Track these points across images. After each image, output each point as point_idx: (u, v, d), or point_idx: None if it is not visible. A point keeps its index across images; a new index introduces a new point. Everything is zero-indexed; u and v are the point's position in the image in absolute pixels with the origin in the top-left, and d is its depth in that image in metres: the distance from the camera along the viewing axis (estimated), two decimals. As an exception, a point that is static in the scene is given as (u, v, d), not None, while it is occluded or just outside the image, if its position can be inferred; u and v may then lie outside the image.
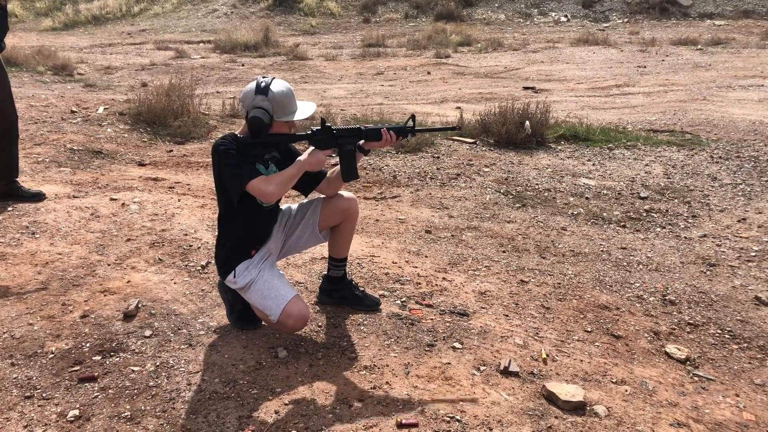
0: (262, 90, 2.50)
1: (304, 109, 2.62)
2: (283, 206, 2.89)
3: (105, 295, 3.04)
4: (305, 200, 2.91)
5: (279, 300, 2.58)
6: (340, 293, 3.01)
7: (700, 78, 10.06)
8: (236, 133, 2.60)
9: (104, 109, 6.74)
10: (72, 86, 9.30)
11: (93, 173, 4.96)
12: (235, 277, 2.66)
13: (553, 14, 19.16)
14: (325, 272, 3.05)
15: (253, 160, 2.57)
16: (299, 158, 2.58)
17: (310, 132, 2.62)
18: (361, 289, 3.06)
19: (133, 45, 15.94)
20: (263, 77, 2.56)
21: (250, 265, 2.65)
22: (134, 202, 4.27)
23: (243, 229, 2.67)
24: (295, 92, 2.67)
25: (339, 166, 2.71)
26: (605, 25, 17.96)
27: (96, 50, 14.80)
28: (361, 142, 2.68)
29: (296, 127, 2.68)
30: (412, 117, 2.72)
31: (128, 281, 3.19)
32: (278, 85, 2.53)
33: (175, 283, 3.19)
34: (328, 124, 2.63)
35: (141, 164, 5.30)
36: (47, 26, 20.28)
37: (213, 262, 3.41)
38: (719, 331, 2.99)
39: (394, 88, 9.97)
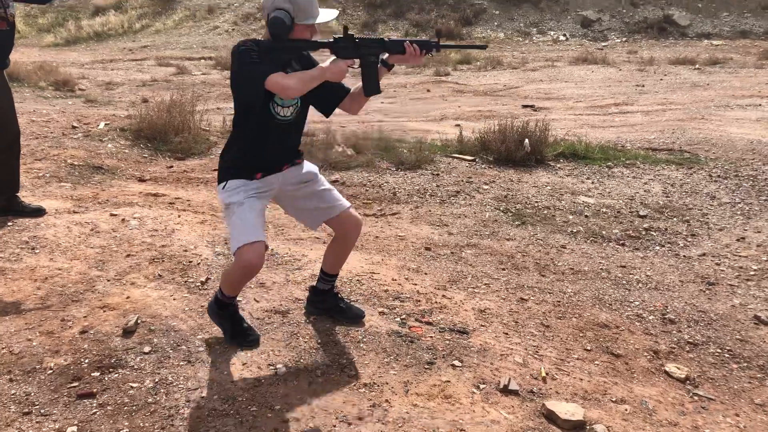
0: None
1: (326, 14, 2.58)
2: (312, 167, 2.83)
3: (104, 311, 3.03)
4: (329, 189, 2.84)
5: (242, 237, 2.53)
6: (325, 305, 3.03)
7: (698, 97, 10.12)
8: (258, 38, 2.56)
9: (105, 124, 6.76)
10: (73, 102, 9.34)
11: (93, 189, 4.97)
12: (224, 189, 2.62)
13: (552, 33, 19.32)
14: (313, 284, 3.08)
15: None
16: (321, 65, 2.53)
17: (332, 40, 2.56)
18: (347, 300, 3.08)
19: (135, 61, 16.02)
20: None
21: (241, 188, 2.60)
22: (134, 218, 4.27)
23: (251, 141, 2.60)
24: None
25: (361, 81, 2.64)
26: (604, 44, 18.11)
27: (97, 66, 14.87)
28: (385, 56, 2.62)
29: (318, 34, 2.60)
30: (438, 32, 2.64)
31: (128, 297, 3.19)
32: None
33: (174, 299, 3.19)
34: (351, 33, 2.57)
35: (141, 180, 5.31)
36: (49, 42, 20.39)
37: (213, 278, 3.41)
38: (719, 351, 2.99)
39: (394, 106, 10.03)
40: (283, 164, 2.71)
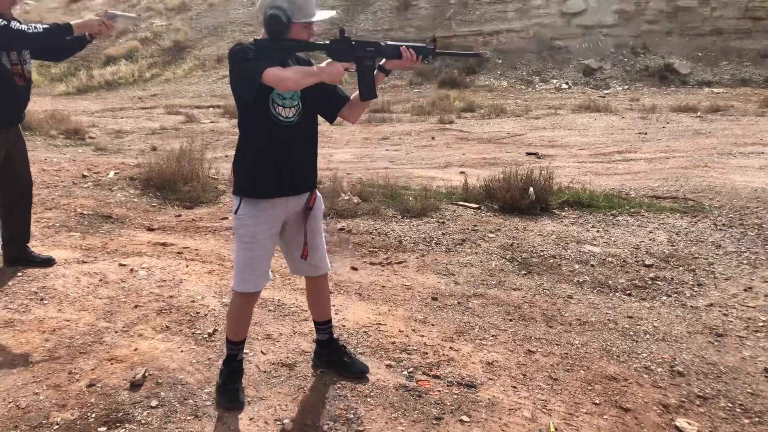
0: None
1: (323, 14, 2.60)
2: (320, 212, 2.85)
3: (112, 364, 3.04)
4: (318, 248, 2.84)
5: (244, 285, 2.67)
6: (329, 358, 3.04)
7: (700, 145, 10.21)
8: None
9: (115, 173, 6.86)
10: (83, 150, 9.48)
11: (102, 238, 5.01)
12: (236, 215, 2.62)
13: (555, 81, 19.61)
14: (315, 336, 3.10)
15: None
16: (318, 65, 2.54)
17: (328, 42, 2.57)
18: (352, 355, 3.07)
19: (144, 109, 16.30)
20: None
21: (253, 218, 2.59)
22: (142, 268, 4.30)
23: (259, 148, 2.57)
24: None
25: (358, 86, 2.64)
26: (606, 91, 18.35)
27: (107, 114, 15.14)
28: (382, 61, 2.63)
29: (315, 35, 2.62)
30: (434, 39, 2.64)
31: (135, 349, 3.19)
32: None
33: (182, 351, 3.19)
34: (347, 35, 2.59)
35: (150, 229, 5.36)
36: (61, 91, 20.81)
37: (220, 329, 3.42)
38: (730, 405, 2.96)
39: (399, 153, 10.13)
40: (296, 182, 2.68)
